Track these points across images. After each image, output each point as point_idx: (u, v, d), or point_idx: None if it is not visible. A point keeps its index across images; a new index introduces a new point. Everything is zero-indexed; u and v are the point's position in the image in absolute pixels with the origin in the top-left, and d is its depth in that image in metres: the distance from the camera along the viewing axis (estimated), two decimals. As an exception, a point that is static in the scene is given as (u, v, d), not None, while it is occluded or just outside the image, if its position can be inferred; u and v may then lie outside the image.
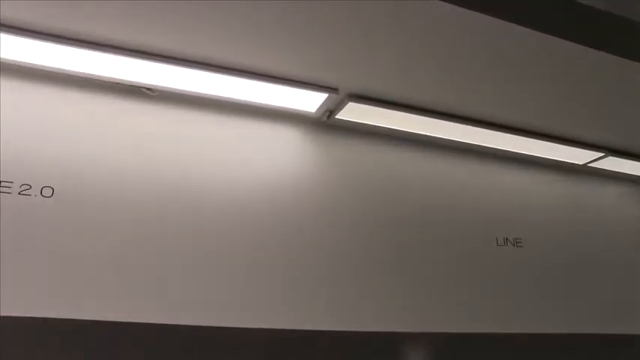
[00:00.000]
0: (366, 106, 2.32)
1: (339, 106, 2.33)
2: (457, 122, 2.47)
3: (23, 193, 1.97)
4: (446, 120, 2.45)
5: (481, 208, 2.71)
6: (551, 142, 2.67)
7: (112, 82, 2.15)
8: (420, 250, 2.47)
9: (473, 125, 2.49)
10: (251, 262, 2.15)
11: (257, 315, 2.07)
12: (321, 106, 2.32)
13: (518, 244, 2.70)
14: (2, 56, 1.99)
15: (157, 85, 2.17)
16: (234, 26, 1.84)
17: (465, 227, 2.62)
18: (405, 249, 2.44)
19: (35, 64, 2.03)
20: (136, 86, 2.18)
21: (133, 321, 1.87)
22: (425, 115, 2.41)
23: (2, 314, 1.72)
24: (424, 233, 2.52)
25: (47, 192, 1.99)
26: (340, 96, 2.27)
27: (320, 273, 2.24)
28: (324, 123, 2.47)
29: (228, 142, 2.31)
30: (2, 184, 1.95)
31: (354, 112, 2.38)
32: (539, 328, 2.53)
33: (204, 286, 2.05)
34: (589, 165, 2.99)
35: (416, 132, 2.59)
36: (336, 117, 2.40)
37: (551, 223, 2.86)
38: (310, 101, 2.30)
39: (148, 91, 2.20)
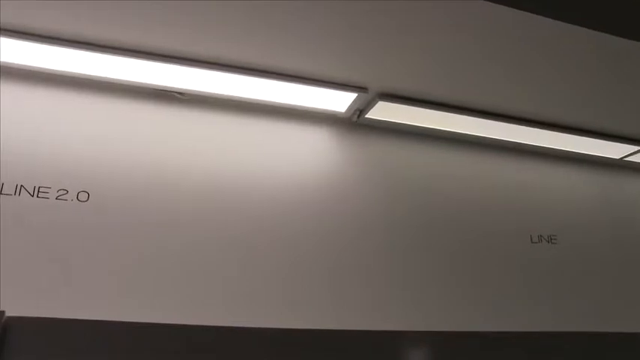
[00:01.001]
0: (396, 105, 2.31)
1: (369, 105, 2.32)
2: (489, 119, 2.44)
3: (60, 198, 2.00)
4: (477, 117, 2.42)
5: (515, 205, 2.67)
6: (587, 136, 2.62)
7: (144, 88, 2.18)
8: (453, 248, 2.45)
9: (506, 122, 2.46)
10: (284, 262, 2.15)
11: (295, 315, 2.07)
12: (350, 105, 2.31)
13: (552, 241, 2.65)
14: (39, 65, 2.03)
15: (187, 89, 2.19)
16: (262, 28, 1.84)
17: (498, 225, 2.58)
18: (437, 248, 2.42)
19: (69, 72, 2.08)
20: (167, 90, 2.20)
21: (173, 322, 1.89)
22: (456, 113, 2.39)
23: (48, 316, 1.75)
24: (457, 232, 2.49)
25: (83, 196, 2.03)
26: (370, 95, 2.26)
27: (353, 273, 2.23)
28: (355, 122, 2.47)
29: (259, 143, 2.33)
30: (41, 189, 1.99)
31: (384, 111, 2.37)
32: (575, 326, 2.48)
33: (241, 287, 2.06)
34: (625, 159, 2.92)
35: (447, 129, 2.56)
36: (366, 116, 2.39)
37: (586, 219, 2.81)
38: (340, 101, 2.29)
39: (178, 95, 2.22)
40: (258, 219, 2.19)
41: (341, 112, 2.38)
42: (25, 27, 1.86)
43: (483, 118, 2.43)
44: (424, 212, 2.47)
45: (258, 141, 2.33)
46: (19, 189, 1.97)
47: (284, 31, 1.86)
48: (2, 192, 1.95)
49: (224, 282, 2.05)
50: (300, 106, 2.33)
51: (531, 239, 2.62)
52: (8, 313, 1.70)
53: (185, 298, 1.97)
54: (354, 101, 2.28)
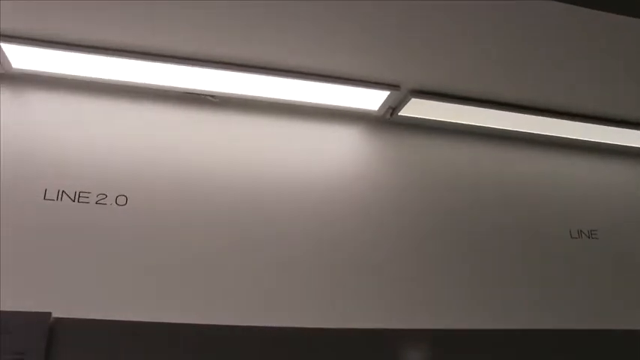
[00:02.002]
0: (430, 102, 2.29)
1: (402, 102, 2.31)
2: (523, 113, 2.40)
3: (100, 202, 2.05)
4: (511, 111, 2.38)
5: (553, 199, 2.62)
6: (627, 128, 2.55)
7: (177, 92, 2.21)
8: (491, 245, 2.41)
9: (542, 115, 2.41)
10: (321, 261, 2.15)
11: (331, 315, 2.07)
12: (383, 103, 2.30)
13: (593, 236, 2.59)
14: (77, 74, 2.08)
15: (219, 92, 2.22)
16: (292, 28, 1.85)
17: (536, 221, 2.54)
18: (475, 245, 2.39)
19: (106, 79, 2.13)
20: (199, 94, 2.23)
21: (211, 323, 1.91)
22: (490, 108, 2.35)
23: (88, 317, 1.79)
24: (494, 228, 2.45)
25: (121, 200, 2.07)
26: (402, 92, 2.25)
27: (388, 272, 2.22)
28: (388, 120, 2.45)
29: (293, 144, 2.34)
30: (81, 194, 2.04)
31: (417, 108, 2.35)
32: (616, 323, 2.42)
33: (279, 288, 2.07)
34: (667, 151, 2.84)
35: (481, 125, 2.53)
36: (399, 114, 2.38)
37: (627, 213, 2.74)
38: (372, 99, 2.28)
39: (210, 98, 2.25)
40: (294, 219, 2.20)
41: (374, 111, 2.37)
42: (59, 37, 1.91)
43: (517, 112, 2.39)
44: (460, 209, 2.44)
45: (292, 142, 2.34)
46: (60, 194, 2.02)
47: (314, 31, 1.87)
48: (45, 197, 2.01)
49: (262, 283, 2.06)
50: (333, 105, 2.33)
51: (571, 234, 2.56)
52: (55, 315, 1.75)
53: (223, 299, 1.99)
54: (387, 99, 2.27)
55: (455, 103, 2.31)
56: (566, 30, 1.87)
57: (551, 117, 2.42)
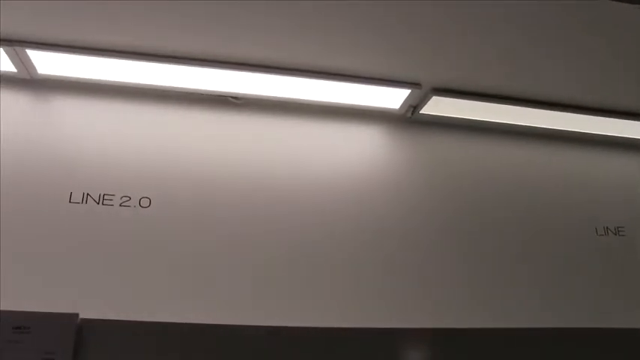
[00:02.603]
0: (451, 99, 2.28)
1: (423, 100, 2.30)
2: (546, 109, 2.37)
3: (124, 204, 2.06)
4: (534, 107, 2.36)
5: (578, 196, 2.58)
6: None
7: (199, 94, 2.23)
8: (514, 243, 2.38)
9: (565, 111, 2.38)
10: (340, 262, 2.15)
11: (351, 315, 2.06)
12: (404, 102, 2.29)
13: (620, 233, 2.55)
14: (97, 77, 2.11)
15: (241, 93, 2.23)
16: (311, 28, 1.85)
17: (561, 218, 2.50)
18: (497, 244, 2.36)
19: (127, 83, 2.15)
20: (221, 96, 2.24)
21: (237, 324, 1.91)
22: (512, 104, 2.33)
23: (115, 318, 1.80)
24: (518, 226, 2.43)
25: (145, 202, 2.08)
26: (423, 90, 2.24)
27: (410, 272, 2.20)
28: (409, 119, 2.44)
29: (314, 144, 2.34)
30: (105, 197, 2.05)
31: (438, 106, 2.34)
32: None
33: (304, 288, 2.07)
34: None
35: (504, 122, 2.51)
36: (421, 112, 2.37)
37: (656, 208, 2.69)
38: (393, 98, 2.28)
39: (233, 100, 2.26)
40: (317, 219, 2.20)
41: (395, 109, 2.37)
42: (83, 42, 1.93)
43: (540, 108, 2.36)
44: (483, 207, 2.42)
45: (314, 142, 2.34)
46: (85, 197, 2.05)
47: (335, 30, 1.87)
48: (71, 200, 2.03)
49: (286, 283, 2.06)
50: (355, 104, 2.33)
51: (597, 231, 2.53)
52: (82, 316, 1.76)
53: (249, 299, 1.99)
54: (408, 97, 2.26)
55: (476, 100, 2.29)
56: (592, 25, 1.85)
57: (574, 113, 2.39)
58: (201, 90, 2.20)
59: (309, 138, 2.34)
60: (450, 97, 2.26)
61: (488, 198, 2.45)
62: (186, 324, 1.86)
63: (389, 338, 2.01)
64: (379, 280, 2.15)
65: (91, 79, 2.13)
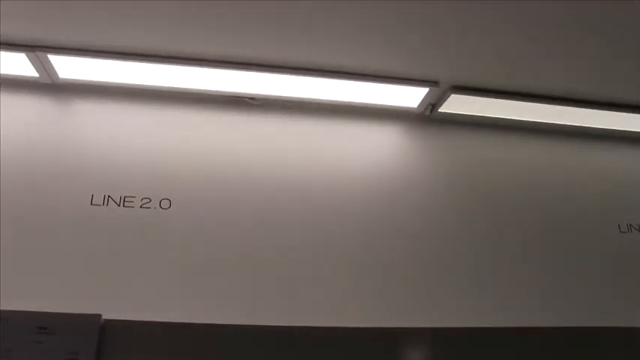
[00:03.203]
0: (470, 97, 2.26)
1: (441, 98, 2.28)
2: (566, 105, 2.34)
3: (144, 206, 2.08)
4: (554, 104, 2.33)
5: (600, 193, 2.54)
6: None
7: (217, 95, 2.24)
8: (535, 241, 2.35)
9: (585, 107, 2.35)
10: (361, 261, 2.14)
11: (376, 313, 2.06)
12: (422, 100, 2.28)
13: (644, 230, 2.51)
14: (118, 81, 2.14)
15: (259, 94, 2.24)
16: (329, 28, 1.85)
17: (583, 215, 2.46)
18: (518, 241, 2.34)
19: (147, 85, 2.17)
20: (238, 97, 2.25)
21: (257, 324, 1.92)
22: (531, 101, 2.30)
23: (136, 319, 1.81)
24: (539, 224, 2.40)
25: (165, 204, 2.10)
26: (442, 88, 2.22)
27: (432, 270, 2.19)
28: (428, 117, 2.43)
29: (333, 144, 2.34)
30: (126, 199, 2.08)
31: (457, 104, 2.32)
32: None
33: (327, 286, 2.07)
34: None
35: (525, 119, 2.48)
36: (439, 110, 2.35)
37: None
38: (411, 96, 2.27)
39: (250, 101, 2.27)
40: (338, 218, 2.20)
41: (413, 108, 2.36)
42: (102, 46, 1.96)
43: (560, 104, 2.33)
44: (502, 205, 2.40)
45: (332, 142, 2.34)
46: (106, 199, 2.07)
47: (351, 30, 1.86)
48: (92, 203, 2.05)
49: (308, 281, 2.06)
50: (373, 104, 2.33)
51: (620, 229, 2.48)
52: (105, 317, 1.78)
53: (270, 299, 2.00)
54: (426, 96, 2.25)
55: (495, 97, 2.27)
56: (614, 21, 1.82)
57: (593, 108, 2.36)
58: (219, 91, 2.21)
59: (328, 138, 2.34)
60: (469, 94, 2.25)
61: (507, 196, 2.42)
62: (207, 324, 1.88)
63: (419, 337, 2.00)
64: (403, 278, 2.14)
65: (110, 83, 2.16)
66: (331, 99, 2.28)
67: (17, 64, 2.03)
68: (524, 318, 2.15)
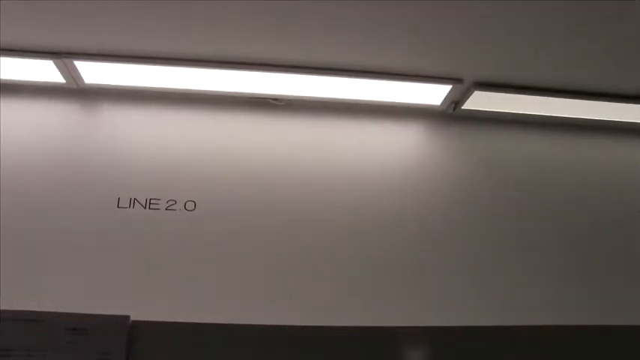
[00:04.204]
0: (494, 93, 2.24)
1: (465, 95, 2.27)
2: (592, 99, 2.30)
3: (170, 208, 2.10)
4: (579, 98, 2.29)
5: (629, 188, 2.49)
6: None
7: (240, 97, 2.26)
8: (563, 239, 2.32)
9: (613, 101, 2.31)
10: (388, 261, 2.14)
11: (410, 311, 2.05)
12: (446, 97, 2.27)
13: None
14: (142, 84, 2.16)
15: (283, 95, 2.25)
16: (352, 27, 1.85)
17: (611, 211, 2.42)
18: (545, 239, 2.31)
19: (171, 88, 2.20)
20: (262, 98, 2.27)
21: (284, 324, 1.92)
22: (557, 96, 2.28)
23: (164, 320, 1.83)
24: (568, 218, 2.36)
25: (190, 206, 2.12)
26: (465, 85, 2.21)
27: (457, 269, 2.18)
28: (451, 115, 2.42)
29: (358, 143, 2.34)
30: (152, 201, 2.10)
31: (481, 101, 2.30)
32: None
33: (355, 286, 2.07)
34: None
35: (548, 114, 2.45)
36: (463, 107, 2.34)
37: None
38: (434, 94, 2.26)
39: (274, 102, 2.28)
40: (363, 218, 2.20)
41: (437, 106, 2.35)
42: (126, 50, 1.99)
43: (586, 99, 2.30)
44: (528, 201, 2.37)
45: (357, 141, 2.34)
46: (133, 202, 2.09)
47: (373, 29, 1.86)
48: (119, 205, 2.08)
49: (336, 281, 2.06)
50: (396, 102, 2.32)
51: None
52: (133, 318, 1.79)
53: (297, 299, 2.00)
54: (450, 93, 2.24)
55: (519, 93, 2.25)
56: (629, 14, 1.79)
57: (624, 102, 2.32)
58: (243, 93, 2.23)
59: (352, 137, 2.34)
60: (492, 91, 2.23)
61: (533, 191, 2.39)
62: (234, 324, 1.88)
63: (452, 336, 1.99)
64: (430, 276, 2.14)
65: (135, 86, 2.19)
66: (354, 98, 2.28)
67: (45, 71, 2.07)
68: (562, 314, 2.13)
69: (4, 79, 2.14)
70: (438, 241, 2.21)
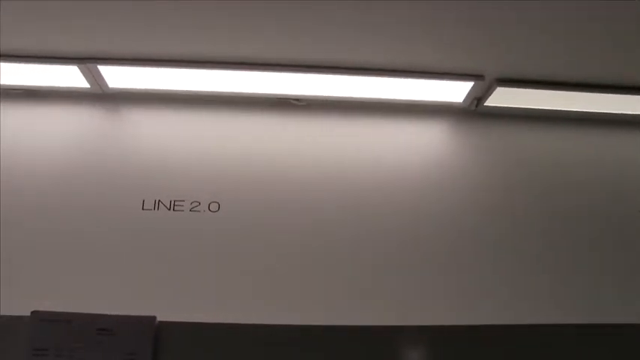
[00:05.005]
0: (516, 89, 2.21)
1: (487, 92, 2.25)
2: (617, 93, 2.26)
3: (194, 209, 2.12)
4: (604, 92, 2.25)
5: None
6: None
7: (263, 98, 2.27)
8: (589, 233, 2.28)
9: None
10: (415, 259, 2.13)
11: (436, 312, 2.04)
12: (468, 94, 2.25)
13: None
14: (164, 87, 2.19)
15: (304, 95, 2.26)
16: (373, 25, 1.84)
17: (635, 206, 2.38)
18: (569, 236, 2.27)
19: (193, 90, 2.22)
20: (284, 99, 2.28)
21: (308, 324, 1.92)
22: (579, 91, 2.24)
23: (190, 320, 1.85)
24: (592, 216, 2.32)
25: (214, 207, 2.13)
26: (487, 82, 2.19)
27: (480, 268, 2.16)
28: (474, 112, 2.40)
29: (380, 141, 2.34)
30: (176, 203, 2.12)
31: (503, 97, 2.28)
32: None
33: (375, 286, 2.06)
34: None
35: (573, 109, 2.41)
36: (485, 104, 2.32)
37: None
38: (456, 91, 2.24)
39: (295, 102, 2.29)
40: (386, 217, 2.19)
41: (459, 103, 2.33)
42: (149, 54, 2.01)
43: (610, 93, 2.26)
44: (553, 198, 2.33)
45: (378, 140, 2.34)
46: (157, 204, 2.12)
47: (393, 27, 1.85)
48: (144, 208, 2.10)
49: (358, 282, 2.06)
50: (418, 100, 2.31)
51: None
52: (159, 319, 1.82)
53: (322, 300, 2.01)
54: (471, 90, 2.22)
55: (541, 89, 2.22)
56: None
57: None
58: (264, 94, 2.24)
59: (374, 136, 2.34)
60: (515, 87, 2.20)
61: (559, 188, 2.36)
62: (260, 325, 1.89)
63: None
64: (454, 276, 2.13)
65: (157, 89, 2.21)
66: (376, 97, 2.27)
67: (69, 77, 2.11)
68: (586, 313, 2.10)
69: (30, 85, 2.19)
70: (460, 240, 2.19)
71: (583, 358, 1.96)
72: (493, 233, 2.23)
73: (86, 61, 2.01)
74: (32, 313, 1.63)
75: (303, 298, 2.00)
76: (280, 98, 2.28)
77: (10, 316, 1.62)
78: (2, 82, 2.14)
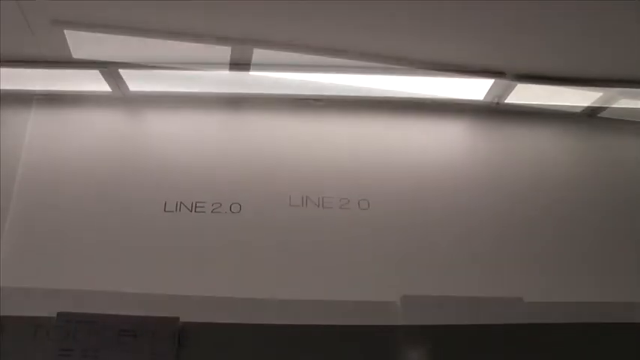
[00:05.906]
0: (538, 86, 2.20)
1: (508, 89, 2.23)
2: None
3: (215, 211, 2.13)
4: (626, 87, 2.24)
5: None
6: None
7: (283, 98, 2.29)
8: (615, 230, 2.23)
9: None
10: (437, 257, 2.11)
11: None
12: (488, 92, 2.25)
13: None
14: (184, 90, 2.20)
15: (323, 95, 2.27)
16: (393, 23, 1.84)
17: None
18: (597, 231, 2.22)
19: (212, 92, 2.25)
20: (304, 99, 2.29)
21: (333, 324, 1.92)
22: (602, 87, 2.23)
23: (213, 321, 1.86)
24: (614, 214, 2.27)
25: (235, 208, 2.14)
26: (508, 79, 2.17)
27: (505, 265, 2.12)
28: (495, 109, 2.38)
29: (401, 140, 2.32)
30: (197, 204, 2.13)
31: (525, 94, 2.27)
32: None
33: (408, 284, 2.04)
34: None
35: (597, 105, 2.39)
36: (506, 101, 2.31)
37: None
38: (477, 89, 2.24)
39: (315, 102, 2.29)
40: (408, 215, 2.17)
41: (479, 100, 2.32)
42: (172, 58, 2.03)
43: (630, 87, 2.24)
44: (577, 196, 2.29)
45: (399, 138, 2.32)
46: (179, 206, 2.13)
47: (413, 24, 1.85)
48: (165, 209, 2.12)
49: (387, 278, 2.04)
50: (438, 97, 2.31)
51: None
52: (182, 319, 1.83)
53: (352, 298, 1.99)
54: (492, 87, 2.21)
55: (562, 85, 2.21)
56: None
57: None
58: (284, 95, 2.26)
59: (395, 134, 2.32)
60: (537, 83, 2.19)
61: (583, 186, 2.32)
62: (284, 325, 1.89)
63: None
64: (484, 273, 2.09)
65: (177, 92, 2.24)
66: (395, 95, 2.28)
67: (91, 81, 2.14)
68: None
69: (52, 90, 2.22)
70: (484, 234, 2.16)
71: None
72: (516, 228, 2.18)
73: (108, 65, 2.03)
74: (58, 314, 1.65)
75: (328, 298, 1.99)
76: (300, 98, 2.28)
77: (37, 316, 1.64)
78: (23, 88, 2.17)
